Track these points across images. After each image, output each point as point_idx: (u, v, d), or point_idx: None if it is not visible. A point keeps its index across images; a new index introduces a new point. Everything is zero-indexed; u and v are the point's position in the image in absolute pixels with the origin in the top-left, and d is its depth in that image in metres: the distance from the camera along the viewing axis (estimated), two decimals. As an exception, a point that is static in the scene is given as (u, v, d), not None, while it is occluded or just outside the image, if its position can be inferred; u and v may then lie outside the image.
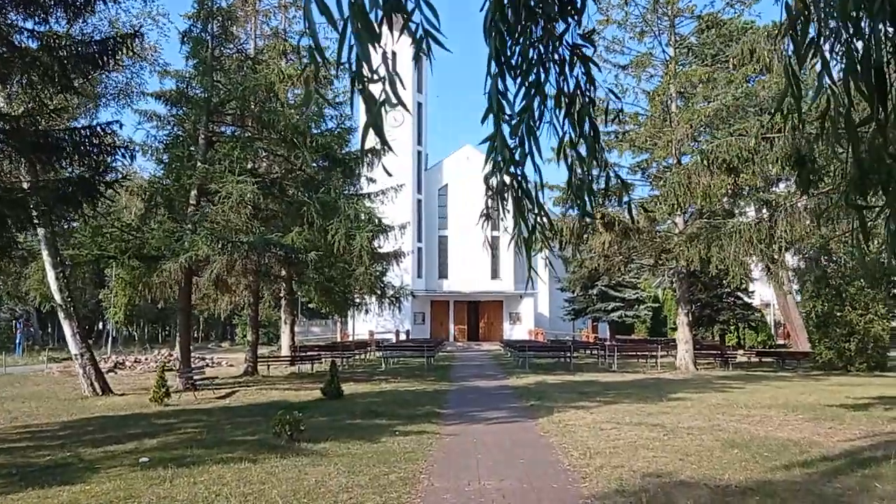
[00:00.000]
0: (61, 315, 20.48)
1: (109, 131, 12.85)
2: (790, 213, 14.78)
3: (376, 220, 23.41)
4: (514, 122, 2.69)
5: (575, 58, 2.81)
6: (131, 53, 15.41)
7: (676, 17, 29.00)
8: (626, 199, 3.73)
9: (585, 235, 25.39)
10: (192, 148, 22.66)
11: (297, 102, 28.29)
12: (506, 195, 2.82)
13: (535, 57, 2.72)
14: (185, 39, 22.94)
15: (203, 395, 19.39)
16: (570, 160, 2.92)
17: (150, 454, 10.69)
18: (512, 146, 2.74)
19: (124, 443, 12.00)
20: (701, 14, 29.18)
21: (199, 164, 21.39)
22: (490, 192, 2.82)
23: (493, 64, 2.61)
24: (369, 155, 25.61)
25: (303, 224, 22.47)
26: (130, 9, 30.61)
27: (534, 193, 2.87)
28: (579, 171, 2.94)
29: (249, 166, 23.89)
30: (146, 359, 34.26)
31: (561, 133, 2.84)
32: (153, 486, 8.62)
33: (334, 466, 9.58)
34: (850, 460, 9.99)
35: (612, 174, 3.08)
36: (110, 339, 46.43)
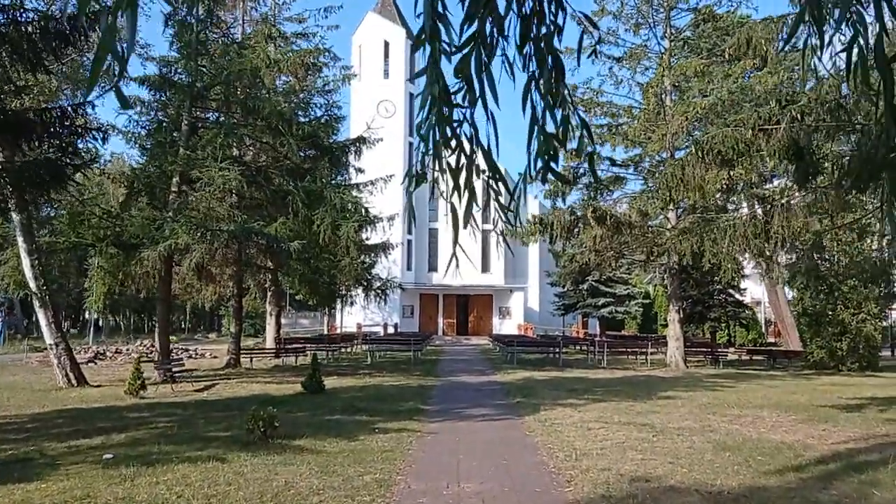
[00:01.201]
0: (36, 304, 19.89)
1: (81, 112, 12.29)
2: (786, 208, 14.37)
3: (363, 211, 22.88)
4: (460, 55, 2.18)
5: None
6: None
7: (672, 10, 28.54)
8: (588, 148, 2.98)
9: (576, 229, 24.97)
10: (175, 134, 22.14)
11: (284, 89, 27.77)
12: (443, 151, 2.30)
13: None
14: (170, 22, 22.39)
15: (181, 388, 18.87)
16: (535, 104, 2.40)
17: (116, 450, 10.20)
18: (457, 87, 2.24)
19: (92, 437, 11.50)
20: (697, 7, 28.74)
21: (181, 150, 20.86)
22: (425, 147, 2.31)
23: None
24: (357, 143, 25.13)
25: (288, 213, 21.97)
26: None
27: (488, 147, 2.36)
28: (548, 120, 2.42)
29: (235, 154, 23.38)
30: (128, 349, 33.70)
31: (527, 72, 2.34)
32: (112, 485, 8.13)
33: (307, 466, 9.10)
34: (846, 464, 9.59)
35: (571, 114, 2.50)
36: (91, 328, 45.74)
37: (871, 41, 2.41)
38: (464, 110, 2.30)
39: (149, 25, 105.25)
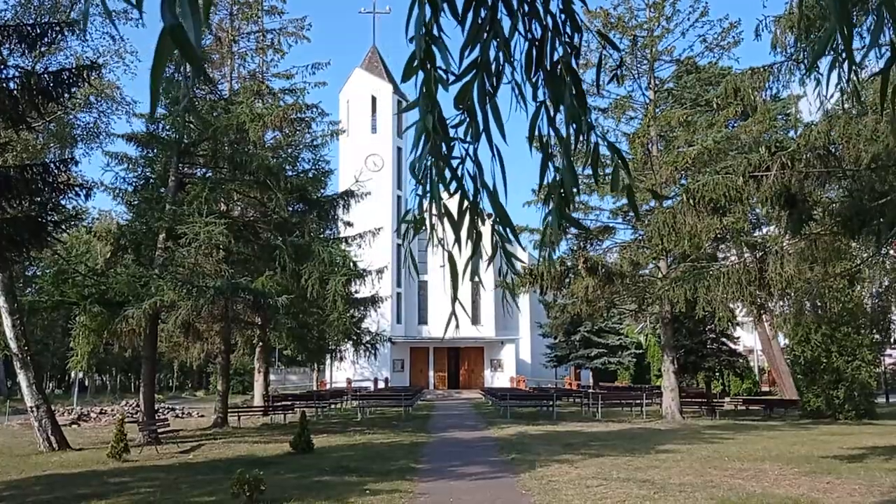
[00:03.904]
0: (17, 365, 19.39)
1: (63, 169, 12.09)
2: (779, 255, 14.24)
3: (351, 264, 22.65)
4: (461, 83, 1.96)
5: None
6: (88, 86, 14.75)
7: (655, 62, 28.96)
8: (625, 181, 2.60)
9: (567, 280, 24.80)
10: (162, 190, 21.99)
11: (272, 144, 27.79)
12: (440, 193, 2.05)
13: None
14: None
15: (165, 450, 18.31)
16: (545, 139, 2.16)
17: (94, 519, 9.75)
18: (458, 120, 2.01)
19: (69, 505, 11.04)
20: (680, 58, 29.18)
21: (168, 206, 20.67)
22: (421, 190, 2.06)
23: None
24: (345, 197, 25.05)
25: (275, 268, 21.71)
26: (98, 47, 29.79)
27: (492, 188, 2.11)
28: (558, 158, 2.17)
29: (223, 209, 23.20)
30: (112, 410, 32.92)
31: (535, 101, 2.11)
32: (87, 558, 7.69)
33: (294, 533, 8.68)
34: (856, 520, 9.25)
35: (600, 139, 2.24)
36: (76, 388, 44.82)
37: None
38: (466, 146, 2.05)
39: (135, 83, 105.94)
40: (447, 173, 2.00)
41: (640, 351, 51.74)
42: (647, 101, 28.91)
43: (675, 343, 29.69)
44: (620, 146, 29.79)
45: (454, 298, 2.08)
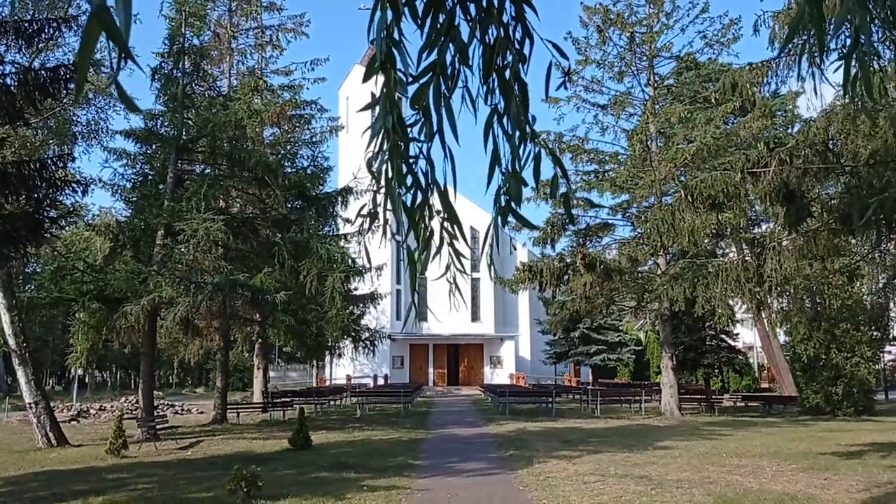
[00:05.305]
0: (15, 361, 19.38)
1: (60, 165, 12.08)
2: (777, 251, 14.24)
3: (350, 261, 22.63)
4: (417, 85, 1.99)
5: None
6: (86, 83, 14.71)
7: (655, 58, 28.92)
8: (562, 188, 2.60)
9: (566, 276, 24.79)
10: (161, 186, 21.99)
11: (270, 141, 27.78)
12: (397, 188, 2.09)
13: None
14: (156, 76, 22.42)
15: (164, 446, 18.32)
16: (497, 139, 2.20)
17: (91, 515, 9.74)
18: (412, 120, 2.04)
19: (67, 501, 11.04)
20: (679, 55, 29.12)
21: (166, 202, 20.67)
22: (377, 185, 2.10)
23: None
24: (343, 194, 25.04)
25: (274, 265, 21.71)
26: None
27: (443, 186, 2.15)
28: (507, 152, 2.21)
29: (221, 205, 23.19)
30: (112, 406, 32.94)
31: (490, 103, 2.14)
32: (84, 554, 7.69)
33: (291, 529, 8.68)
34: (853, 516, 9.24)
35: (544, 150, 2.30)
36: (75, 385, 44.83)
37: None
38: (420, 145, 2.10)
39: (133, 79, 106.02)
40: (404, 170, 2.05)
41: (640, 348, 51.73)
42: (647, 97, 28.87)
43: (674, 340, 29.68)
44: (620, 142, 29.94)
45: (413, 290, 2.16)
